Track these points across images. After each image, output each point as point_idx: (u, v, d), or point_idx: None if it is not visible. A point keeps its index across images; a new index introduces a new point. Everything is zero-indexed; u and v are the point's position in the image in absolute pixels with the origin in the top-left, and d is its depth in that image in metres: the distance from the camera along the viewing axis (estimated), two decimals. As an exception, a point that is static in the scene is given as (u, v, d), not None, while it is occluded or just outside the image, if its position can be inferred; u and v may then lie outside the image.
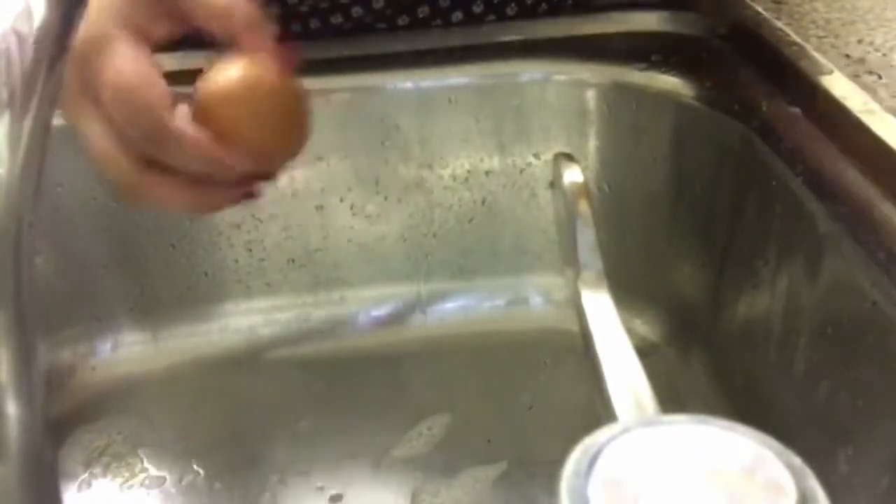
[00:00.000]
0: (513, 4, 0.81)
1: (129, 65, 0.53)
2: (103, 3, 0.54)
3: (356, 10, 0.79)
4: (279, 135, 0.57)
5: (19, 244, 0.31)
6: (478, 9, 0.81)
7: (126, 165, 0.55)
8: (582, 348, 0.55)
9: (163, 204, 0.57)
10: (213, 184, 0.57)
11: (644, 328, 0.81)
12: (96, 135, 0.54)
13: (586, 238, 0.62)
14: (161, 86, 0.54)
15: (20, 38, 0.32)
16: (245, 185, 0.58)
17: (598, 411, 0.50)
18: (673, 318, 0.80)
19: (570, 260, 0.64)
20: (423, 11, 0.80)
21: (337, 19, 0.79)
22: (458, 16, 0.81)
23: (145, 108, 0.53)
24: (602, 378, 0.50)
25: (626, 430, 0.38)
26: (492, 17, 0.81)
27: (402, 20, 0.80)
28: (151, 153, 0.54)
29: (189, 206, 0.59)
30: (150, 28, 0.55)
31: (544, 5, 0.82)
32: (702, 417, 0.38)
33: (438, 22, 0.81)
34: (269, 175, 0.58)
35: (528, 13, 0.82)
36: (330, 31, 0.80)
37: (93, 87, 0.53)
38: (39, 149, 0.32)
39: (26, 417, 0.31)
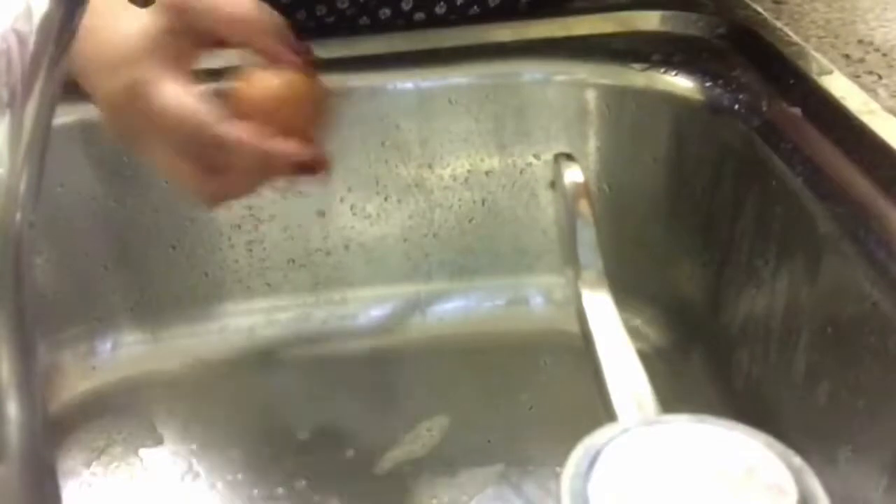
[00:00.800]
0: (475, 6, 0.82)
1: (175, 100, 0.61)
2: (136, 50, 0.61)
3: (341, 2, 0.79)
4: (312, 124, 0.66)
5: (19, 244, 0.31)
6: (440, 10, 0.81)
7: (196, 176, 0.63)
8: (582, 348, 0.55)
9: (233, 196, 0.67)
10: (267, 169, 0.65)
11: (644, 328, 0.81)
12: (166, 159, 0.63)
13: (586, 238, 0.62)
14: (207, 107, 0.62)
15: (20, 38, 0.32)
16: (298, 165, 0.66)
17: (598, 411, 0.50)
18: (673, 317, 0.80)
19: (570, 260, 0.64)
20: (407, 4, 0.80)
21: (321, 10, 0.79)
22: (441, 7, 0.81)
23: (200, 131, 0.61)
24: (602, 378, 0.50)
25: (626, 430, 0.38)
26: (453, 16, 0.81)
27: (384, 13, 0.80)
28: (215, 161, 0.63)
29: (252, 190, 0.67)
30: (182, 59, 0.63)
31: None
32: (702, 417, 0.38)
33: (422, 15, 0.81)
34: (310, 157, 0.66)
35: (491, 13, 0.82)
36: (313, 24, 0.80)
37: (152, 123, 0.61)
38: (40, 149, 0.32)
39: (26, 417, 0.31)
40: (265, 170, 0.65)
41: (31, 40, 0.32)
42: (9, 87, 0.32)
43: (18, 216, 0.31)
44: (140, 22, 0.62)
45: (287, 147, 0.63)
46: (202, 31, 0.63)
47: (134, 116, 0.62)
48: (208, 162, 0.63)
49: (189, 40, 0.63)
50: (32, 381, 0.31)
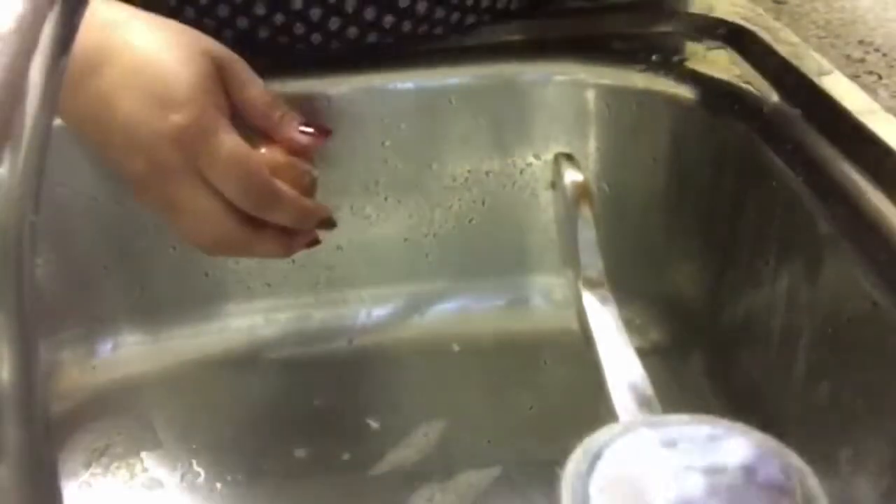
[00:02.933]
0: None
1: (237, 145, 0.64)
2: (198, 93, 0.63)
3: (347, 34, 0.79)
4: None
5: (21, 245, 0.31)
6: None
7: (233, 224, 0.66)
8: (582, 348, 0.55)
9: (258, 252, 0.70)
10: (293, 232, 0.70)
11: (644, 328, 0.81)
12: (205, 203, 0.65)
13: (587, 238, 0.62)
14: (261, 158, 0.66)
15: (21, 37, 0.32)
16: (311, 233, 0.73)
17: (598, 411, 0.50)
18: (673, 318, 0.80)
19: (570, 260, 0.64)
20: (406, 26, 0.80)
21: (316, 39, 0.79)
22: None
23: (258, 178, 0.65)
24: (603, 377, 0.50)
25: (627, 430, 0.38)
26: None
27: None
28: (256, 212, 0.66)
29: (277, 253, 0.71)
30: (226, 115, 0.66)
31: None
32: (703, 417, 0.38)
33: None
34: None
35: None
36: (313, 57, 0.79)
37: (200, 165, 0.63)
38: (41, 149, 0.32)
39: (27, 418, 0.31)
40: (300, 222, 0.70)
41: (32, 39, 0.32)
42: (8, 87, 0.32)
43: (19, 217, 0.31)
44: (194, 66, 0.64)
45: (317, 206, 0.71)
46: (235, 104, 0.67)
47: (184, 157, 0.63)
48: (247, 214, 0.66)
49: (228, 105, 0.67)
50: (33, 382, 0.31)
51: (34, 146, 0.32)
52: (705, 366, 0.76)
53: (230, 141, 0.64)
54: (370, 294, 0.84)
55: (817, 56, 0.72)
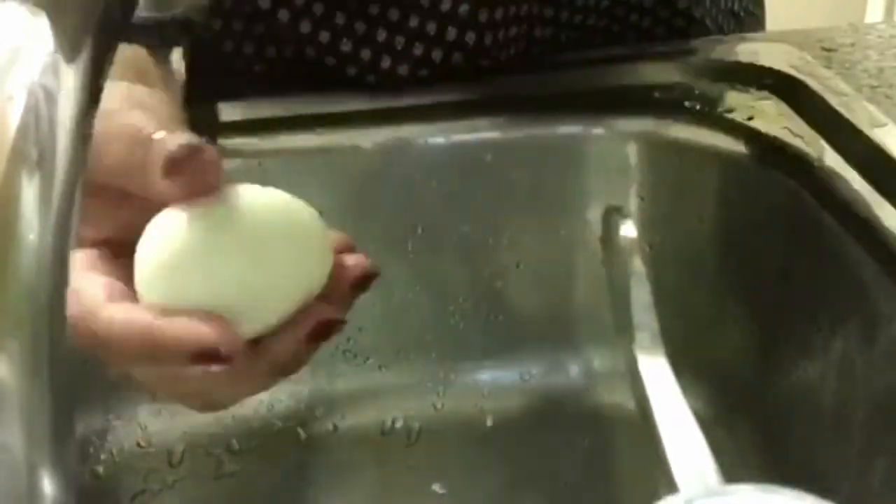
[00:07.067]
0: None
1: (107, 324, 0.47)
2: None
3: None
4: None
5: (54, 313, 0.31)
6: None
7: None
8: (637, 416, 0.55)
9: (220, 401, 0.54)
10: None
11: (687, 397, 0.80)
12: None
13: (642, 297, 0.62)
14: (86, 300, 0.47)
15: (48, 92, 0.32)
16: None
17: (653, 482, 0.50)
18: (719, 386, 0.79)
19: (622, 322, 0.63)
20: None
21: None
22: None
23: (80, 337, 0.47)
24: (661, 446, 0.50)
25: (688, 502, 0.38)
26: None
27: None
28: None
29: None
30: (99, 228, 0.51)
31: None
32: (768, 486, 0.38)
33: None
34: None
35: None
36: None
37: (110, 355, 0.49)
38: (70, 211, 0.32)
39: (60, 495, 0.30)
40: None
41: (60, 94, 0.33)
42: (38, 145, 0.32)
43: (52, 283, 0.31)
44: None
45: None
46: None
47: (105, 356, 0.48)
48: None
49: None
50: (68, 458, 0.31)
51: (65, 206, 0.32)
52: (753, 438, 0.76)
53: (102, 320, 0.47)
54: (394, 361, 0.83)
55: (870, 107, 0.72)
